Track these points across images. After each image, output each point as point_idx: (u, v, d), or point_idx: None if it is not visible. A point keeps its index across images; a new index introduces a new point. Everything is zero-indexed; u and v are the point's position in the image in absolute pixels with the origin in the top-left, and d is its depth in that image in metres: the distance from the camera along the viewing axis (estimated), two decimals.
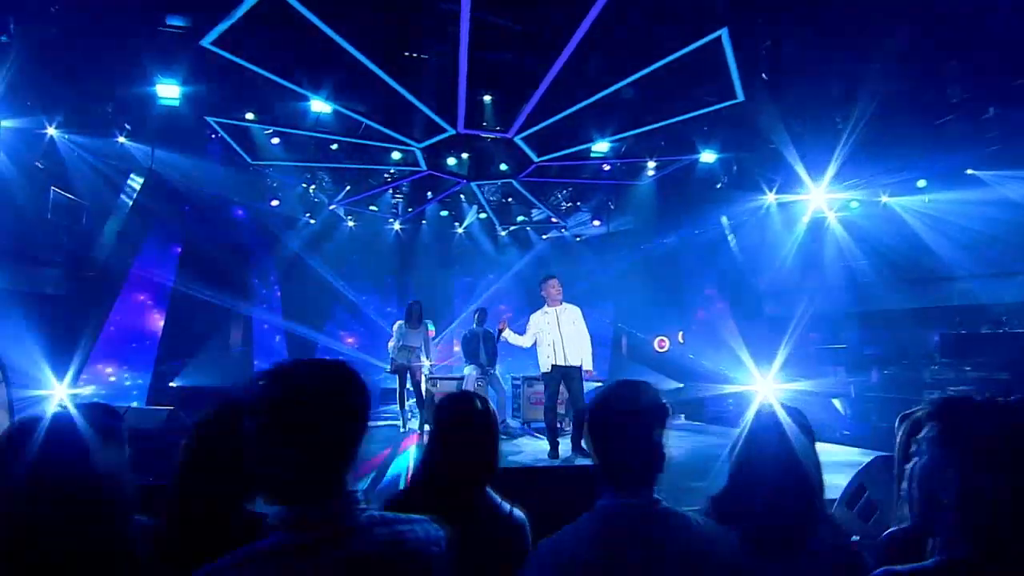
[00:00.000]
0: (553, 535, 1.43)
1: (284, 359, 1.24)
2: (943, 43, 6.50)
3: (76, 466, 1.37)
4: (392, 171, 10.48)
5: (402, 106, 7.71)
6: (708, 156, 9.27)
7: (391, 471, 5.27)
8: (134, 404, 8.80)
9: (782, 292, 10.43)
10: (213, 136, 8.63)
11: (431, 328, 8.24)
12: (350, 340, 14.00)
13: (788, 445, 1.58)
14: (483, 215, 12.95)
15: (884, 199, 9.29)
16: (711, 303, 12.36)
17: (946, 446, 1.21)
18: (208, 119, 8.03)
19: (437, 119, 7.98)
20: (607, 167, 10.26)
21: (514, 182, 10.60)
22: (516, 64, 7.20)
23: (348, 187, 11.05)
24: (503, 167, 9.91)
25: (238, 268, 11.37)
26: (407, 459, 5.93)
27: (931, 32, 6.31)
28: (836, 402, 8.37)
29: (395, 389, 8.27)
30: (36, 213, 7.55)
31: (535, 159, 9.24)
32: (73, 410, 1.47)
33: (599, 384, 12.05)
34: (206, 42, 6.29)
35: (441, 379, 8.50)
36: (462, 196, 12.13)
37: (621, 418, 1.45)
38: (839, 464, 5.26)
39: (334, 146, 9.24)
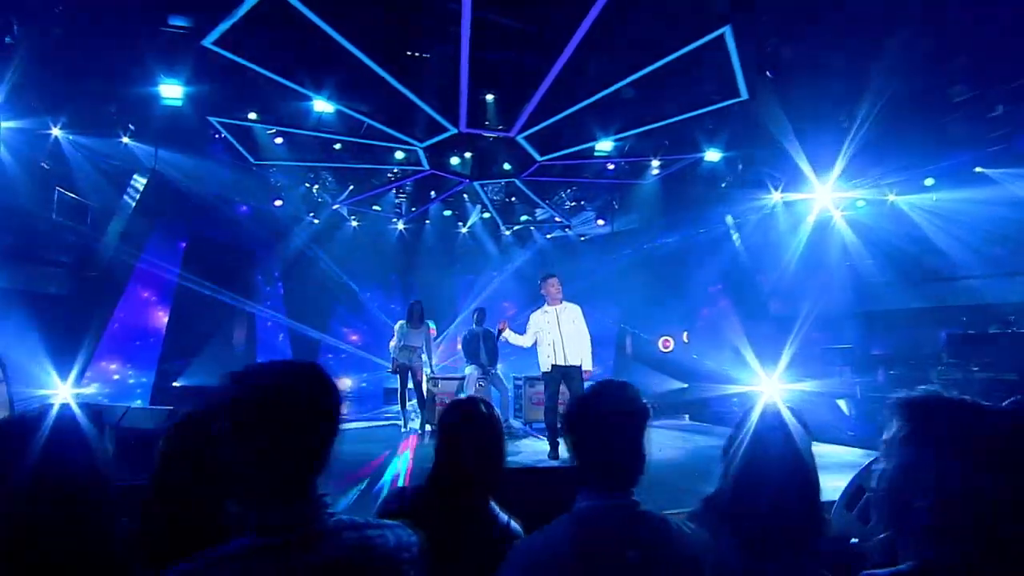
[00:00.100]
0: (531, 535, 1.42)
1: (262, 361, 1.23)
2: (950, 39, 6.43)
3: (52, 467, 1.38)
4: (395, 171, 10.48)
5: (404, 105, 7.70)
6: (713, 155, 9.21)
7: (387, 474, 5.25)
8: (137, 403, 8.83)
9: (787, 291, 10.35)
10: (216, 136, 8.65)
11: (432, 327, 8.21)
12: (354, 337, 14.02)
13: (793, 445, 1.54)
14: (486, 215, 12.94)
15: (891, 198, 9.21)
16: (716, 303, 12.29)
17: (919, 446, 1.17)
18: (211, 119, 8.04)
19: (439, 118, 7.97)
20: (611, 166, 10.22)
21: (517, 181, 10.58)
22: (518, 63, 7.18)
23: (351, 187, 11.06)
24: (506, 166, 9.89)
25: (242, 267, 11.40)
26: (405, 461, 5.91)
27: (938, 28, 6.23)
28: (841, 403, 8.30)
29: (397, 389, 8.25)
30: (41, 213, 7.59)
31: (538, 158, 9.21)
32: (54, 410, 1.45)
33: None
34: (207, 42, 6.30)
35: (442, 379, 8.48)
36: (465, 196, 12.11)
37: (601, 419, 1.44)
38: (843, 465, 5.23)
39: (337, 146, 9.25)
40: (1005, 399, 2.16)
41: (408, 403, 8.19)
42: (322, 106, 7.86)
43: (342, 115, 8.13)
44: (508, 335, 6.33)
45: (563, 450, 5.88)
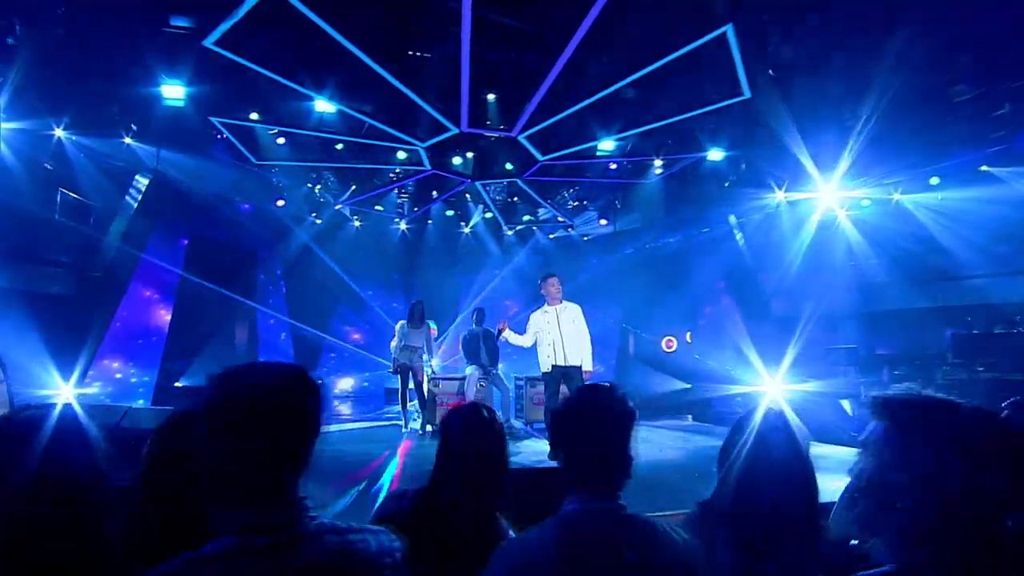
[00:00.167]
0: (517, 537, 1.42)
1: (239, 363, 1.22)
2: (954, 37, 6.37)
3: (51, 466, 1.38)
4: (397, 171, 10.48)
5: (405, 105, 7.69)
6: (716, 154, 9.17)
7: (387, 474, 5.24)
8: (140, 403, 8.86)
9: (790, 291, 10.30)
10: (219, 136, 8.66)
11: (433, 327, 8.20)
12: (356, 336, 14.02)
13: (796, 446, 1.54)
14: (489, 214, 12.92)
15: (896, 197, 9.15)
16: (719, 302, 12.24)
17: (896, 445, 1.15)
18: (212, 120, 8.05)
19: (440, 118, 7.95)
20: (613, 166, 10.18)
21: (519, 181, 10.56)
22: (519, 63, 7.16)
23: (353, 187, 11.06)
24: (508, 166, 9.87)
25: (244, 267, 11.42)
26: (403, 462, 5.89)
27: (942, 26, 6.18)
28: (845, 403, 8.24)
29: (398, 389, 8.24)
30: (44, 214, 7.61)
31: (540, 158, 9.18)
32: (56, 410, 1.46)
33: None
34: (208, 42, 6.30)
35: (443, 379, 8.47)
36: (467, 196, 12.10)
37: (588, 422, 1.44)
38: (846, 465, 5.18)
39: (339, 146, 9.25)
40: (1009, 400, 2.13)
41: (409, 403, 8.18)
42: (323, 106, 7.86)
43: (343, 115, 8.13)
44: (508, 335, 6.30)
45: None
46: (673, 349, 12.57)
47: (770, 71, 7.23)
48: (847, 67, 7.06)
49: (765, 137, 8.40)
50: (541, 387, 6.56)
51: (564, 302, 6.09)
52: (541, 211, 12.84)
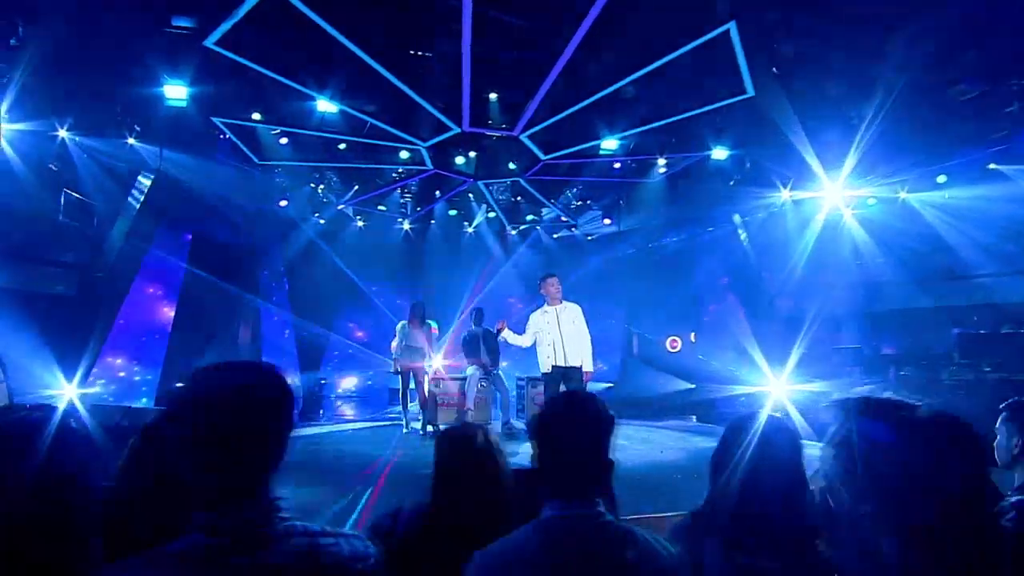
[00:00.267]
0: (496, 541, 1.41)
1: (213, 363, 1.22)
2: (961, 34, 6.30)
3: (27, 470, 1.38)
4: (400, 170, 10.47)
5: (407, 105, 7.68)
6: (720, 153, 9.11)
7: (385, 475, 5.21)
8: (143, 401, 8.90)
9: (795, 291, 10.23)
10: (222, 137, 8.68)
11: (434, 327, 8.19)
12: (359, 333, 14.04)
13: (799, 446, 1.54)
14: (492, 214, 12.91)
15: (902, 195, 9.07)
16: (723, 302, 12.18)
17: (853, 448, 1.15)
18: (215, 120, 8.07)
19: (442, 117, 7.94)
20: (617, 165, 10.13)
21: (521, 180, 10.53)
22: (520, 61, 7.13)
23: (356, 187, 11.07)
24: (510, 166, 9.84)
25: (247, 267, 11.44)
26: (398, 464, 5.82)
27: (950, 23, 6.11)
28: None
29: (399, 389, 8.24)
30: (48, 214, 7.65)
31: (542, 157, 9.15)
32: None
33: (610, 386, 11.96)
34: (209, 42, 6.31)
35: (444, 379, 8.45)
36: (471, 195, 12.08)
37: (565, 429, 1.44)
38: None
39: (342, 146, 9.25)
40: (1007, 401, 2.10)
41: (411, 404, 8.18)
42: (325, 106, 7.85)
43: (345, 115, 8.12)
44: (507, 335, 6.27)
45: None
46: (677, 349, 12.52)
47: (774, 69, 7.17)
48: (852, 65, 7.00)
49: (770, 135, 8.33)
50: (542, 387, 6.53)
51: (564, 302, 6.06)
52: (544, 211, 12.81)
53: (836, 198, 9.22)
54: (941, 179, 8.51)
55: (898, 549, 1.06)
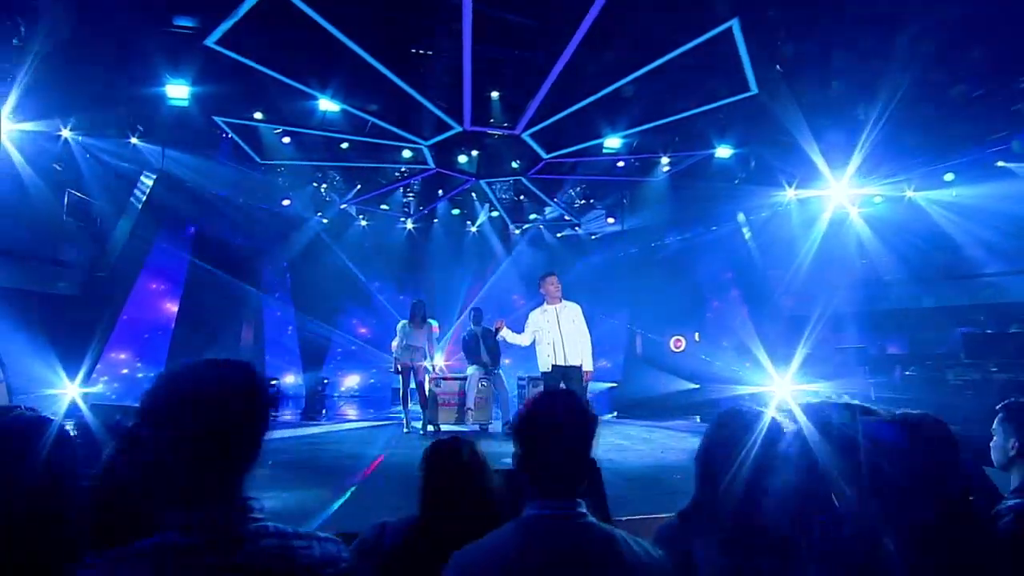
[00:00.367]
0: (477, 541, 1.40)
1: (189, 361, 1.20)
2: (968, 31, 6.22)
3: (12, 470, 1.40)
4: (403, 169, 10.46)
5: (408, 104, 7.66)
6: (724, 151, 9.06)
7: (382, 476, 5.19)
8: None
9: (800, 290, 10.15)
10: (224, 136, 8.70)
11: (435, 326, 8.17)
12: (363, 330, 14.03)
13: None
14: (495, 213, 12.88)
15: (909, 193, 8.98)
16: (728, 302, 12.11)
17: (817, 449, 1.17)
18: (217, 119, 8.08)
19: (444, 116, 7.92)
20: (620, 163, 10.08)
21: (524, 179, 10.50)
22: (521, 59, 7.11)
23: (358, 186, 11.07)
24: (513, 164, 9.82)
25: (249, 266, 11.46)
26: (393, 464, 5.79)
27: (955, 20, 6.03)
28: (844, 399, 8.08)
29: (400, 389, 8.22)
30: (52, 214, 7.69)
31: (544, 156, 9.12)
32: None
33: (614, 385, 11.89)
34: (210, 42, 6.31)
35: (444, 379, 8.43)
36: (473, 195, 12.07)
37: (547, 429, 1.42)
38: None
39: (344, 145, 9.24)
40: (1003, 401, 2.07)
41: (412, 404, 8.16)
42: (327, 105, 7.86)
43: (347, 114, 8.12)
44: (505, 334, 6.24)
45: None
46: (681, 349, 12.44)
47: (778, 66, 7.11)
48: (857, 62, 6.93)
49: (775, 134, 8.28)
50: (543, 387, 6.50)
51: (564, 301, 6.02)
52: (548, 210, 12.77)
53: (842, 197, 9.14)
54: (948, 177, 8.42)
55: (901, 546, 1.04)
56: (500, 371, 8.15)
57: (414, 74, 7.20)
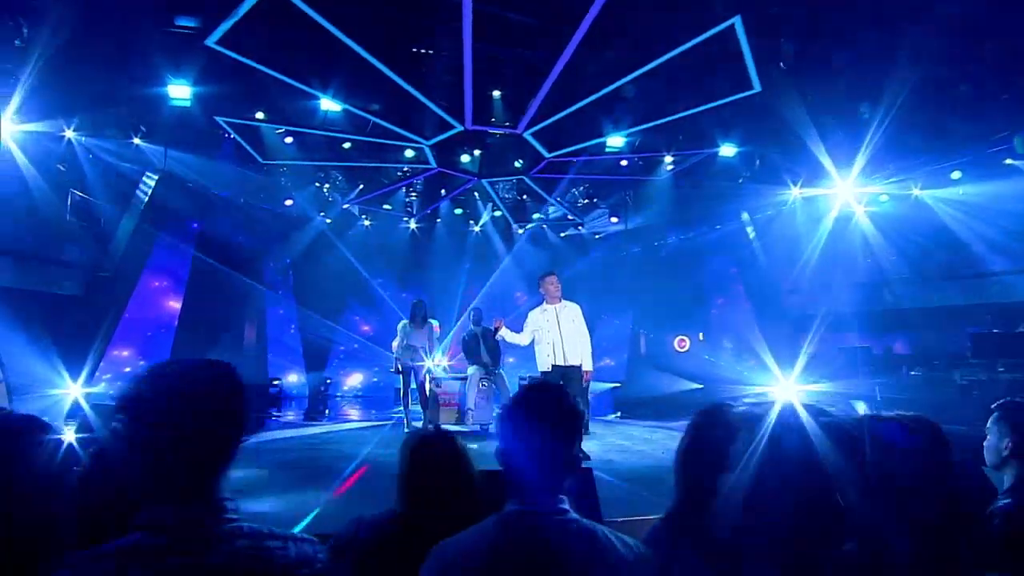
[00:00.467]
0: (456, 535, 1.39)
1: (169, 359, 1.21)
2: (978, 25, 6.14)
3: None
4: (405, 169, 10.46)
5: (410, 103, 7.64)
6: (728, 150, 8.99)
7: (380, 476, 5.15)
8: None
9: (805, 290, 10.08)
10: (226, 136, 8.71)
11: (436, 325, 8.15)
12: (365, 328, 14.03)
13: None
14: (498, 213, 12.86)
15: (915, 192, 8.90)
16: (732, 301, 12.04)
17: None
18: (218, 119, 8.09)
19: (445, 116, 7.90)
20: (624, 163, 10.03)
21: (526, 179, 10.47)
22: (522, 58, 7.08)
23: (361, 185, 11.07)
24: (515, 164, 9.79)
25: (252, 265, 11.50)
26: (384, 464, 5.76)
27: (960, 17, 5.96)
28: (861, 404, 8.01)
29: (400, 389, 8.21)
30: (55, 215, 7.73)
31: (546, 155, 9.08)
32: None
33: (617, 385, 11.84)
34: (210, 41, 6.31)
35: (445, 379, 8.40)
36: (476, 194, 12.05)
37: (530, 423, 1.40)
38: None
39: (346, 144, 9.24)
40: (998, 401, 2.03)
41: (412, 403, 8.15)
42: (328, 105, 7.85)
43: (349, 114, 8.11)
44: (505, 333, 6.22)
45: None
46: (686, 349, 12.39)
47: (781, 64, 7.05)
48: (863, 60, 6.86)
49: (780, 132, 8.22)
50: None
51: (563, 301, 6.00)
52: (551, 209, 12.74)
53: (847, 195, 9.06)
54: (956, 175, 8.33)
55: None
56: (501, 371, 8.13)
57: (415, 73, 7.18)
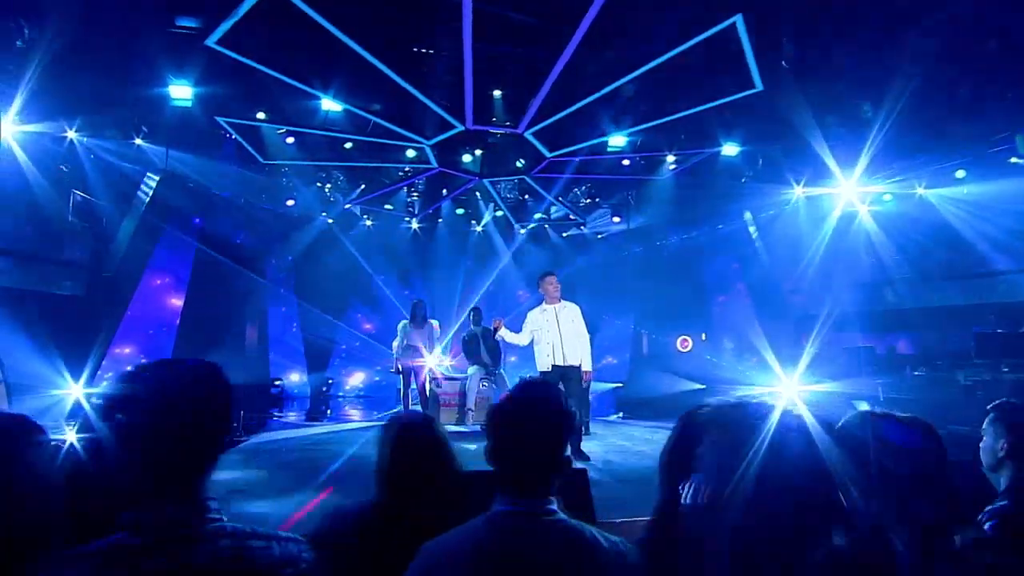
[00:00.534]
0: (444, 535, 1.38)
1: (156, 360, 1.22)
2: (983, 22, 6.09)
3: None
4: (406, 169, 10.45)
5: (410, 103, 7.63)
6: (730, 149, 8.94)
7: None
8: None
9: (809, 289, 10.03)
10: (227, 136, 8.72)
11: (436, 324, 8.14)
12: (367, 326, 14.04)
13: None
14: (499, 213, 12.83)
15: (920, 191, 8.84)
16: (735, 301, 11.99)
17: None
18: (219, 119, 8.10)
19: (446, 115, 7.89)
20: (626, 162, 10.00)
21: (527, 178, 10.45)
22: (523, 57, 7.05)
23: (363, 185, 11.06)
24: (516, 164, 9.77)
25: (254, 265, 11.51)
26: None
27: (965, 15, 5.91)
28: (863, 405, 7.96)
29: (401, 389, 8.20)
30: (58, 215, 7.75)
31: (547, 155, 9.06)
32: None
33: (619, 385, 11.80)
34: (210, 41, 6.32)
35: (445, 379, 8.39)
36: (478, 194, 12.03)
37: (518, 420, 1.40)
38: None
39: (347, 144, 9.24)
40: (994, 402, 2.01)
41: (412, 404, 8.14)
42: (329, 105, 7.85)
43: (349, 113, 8.10)
44: (504, 333, 6.21)
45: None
46: (688, 349, 12.35)
47: (784, 63, 7.01)
48: (865, 58, 6.82)
49: (783, 131, 8.17)
50: None
51: (563, 301, 5.99)
52: (553, 209, 12.71)
53: (851, 195, 9.01)
54: (960, 174, 8.27)
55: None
56: (502, 371, 8.12)
57: (416, 73, 7.16)
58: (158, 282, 10.13)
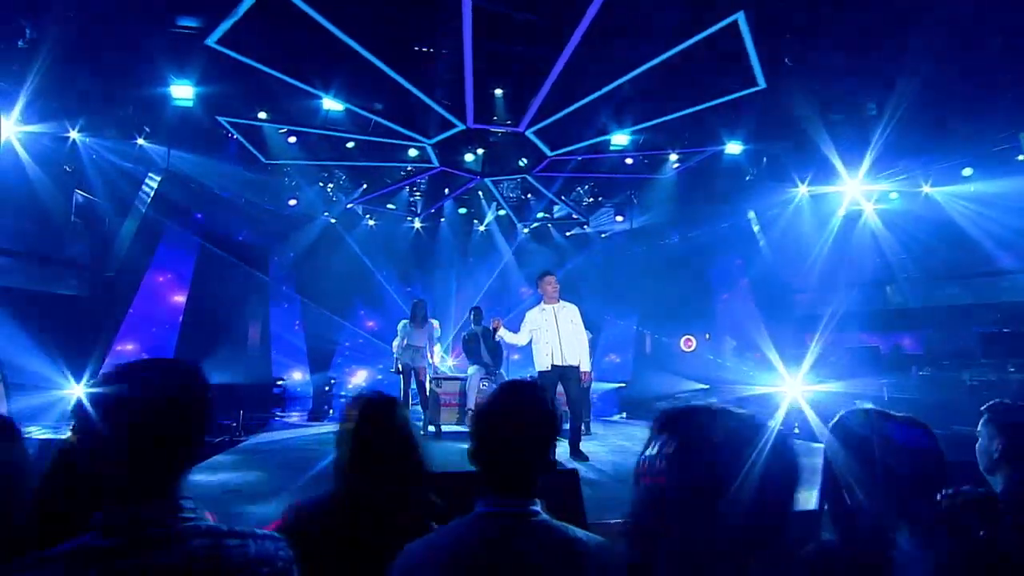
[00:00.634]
0: (426, 536, 1.38)
1: (140, 359, 1.21)
2: (987, 18, 6.02)
3: None
4: (408, 168, 10.44)
5: (411, 102, 7.62)
6: (734, 147, 8.89)
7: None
8: None
9: (813, 289, 9.96)
10: (229, 136, 8.73)
11: (436, 324, 8.11)
12: (370, 324, 14.04)
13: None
14: (502, 212, 12.82)
15: (925, 189, 8.76)
16: (739, 300, 11.93)
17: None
18: (220, 119, 8.10)
19: (446, 114, 7.87)
20: (629, 160, 9.95)
21: (529, 177, 10.42)
22: (524, 55, 7.02)
23: (364, 185, 11.06)
24: (518, 162, 9.74)
25: (255, 265, 11.52)
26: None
27: (968, 12, 5.84)
28: (867, 405, 7.89)
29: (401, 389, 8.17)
30: (60, 215, 7.77)
31: (548, 153, 9.03)
32: None
33: (622, 385, 11.75)
34: (211, 41, 6.32)
35: (444, 379, 8.36)
36: (480, 193, 12.01)
37: (504, 422, 1.38)
38: None
39: (349, 144, 9.23)
40: (988, 403, 1.97)
41: (413, 404, 8.11)
42: (331, 104, 7.84)
43: (351, 113, 8.10)
44: (503, 333, 6.18)
45: (560, 452, 5.72)
46: (692, 349, 12.29)
47: (787, 60, 6.95)
48: (870, 57, 6.75)
49: (787, 130, 8.12)
50: None
51: (561, 301, 5.97)
52: (556, 208, 12.68)
53: (856, 193, 8.94)
54: (967, 172, 8.19)
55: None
56: (502, 371, 8.09)
57: (416, 72, 7.14)
58: (160, 279, 10.15)
